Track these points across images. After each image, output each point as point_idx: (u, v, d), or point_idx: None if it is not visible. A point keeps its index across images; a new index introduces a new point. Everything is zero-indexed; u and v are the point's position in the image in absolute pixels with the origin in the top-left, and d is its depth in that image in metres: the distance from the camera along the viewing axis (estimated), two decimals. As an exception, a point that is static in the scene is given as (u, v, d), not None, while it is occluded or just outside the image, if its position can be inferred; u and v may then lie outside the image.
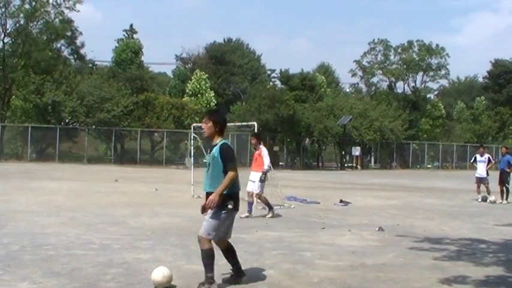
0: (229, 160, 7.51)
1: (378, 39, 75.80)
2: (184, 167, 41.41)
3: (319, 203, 19.47)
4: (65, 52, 60.24)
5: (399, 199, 22.22)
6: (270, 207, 15.51)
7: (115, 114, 47.33)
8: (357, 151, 59.09)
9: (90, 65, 65.37)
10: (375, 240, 11.88)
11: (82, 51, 63.03)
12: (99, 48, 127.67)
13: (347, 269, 8.94)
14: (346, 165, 57.86)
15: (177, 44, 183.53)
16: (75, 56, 63.14)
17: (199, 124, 29.31)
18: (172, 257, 9.42)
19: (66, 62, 57.72)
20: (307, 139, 58.60)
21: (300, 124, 53.58)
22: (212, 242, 7.56)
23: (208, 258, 7.46)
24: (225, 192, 7.36)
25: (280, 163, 53.67)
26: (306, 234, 12.42)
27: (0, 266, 8.45)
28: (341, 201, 19.64)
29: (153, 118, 48.89)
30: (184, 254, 9.68)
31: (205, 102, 56.89)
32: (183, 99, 56.52)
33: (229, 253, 7.94)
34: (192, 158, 23.06)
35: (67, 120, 50.29)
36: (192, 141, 23.32)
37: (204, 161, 24.26)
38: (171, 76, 74.05)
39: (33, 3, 48.84)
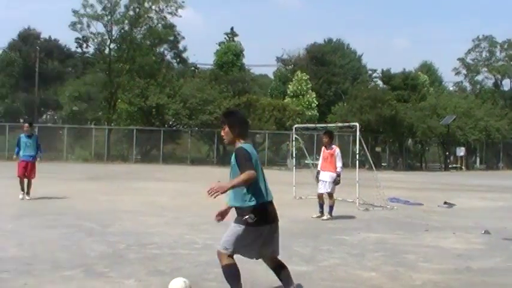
0: (243, 162, 6.42)
1: (483, 35, 73.93)
2: (286, 168, 41.51)
3: (422, 204, 19.14)
4: (168, 56, 61.62)
5: (506, 201, 21.58)
6: (331, 210, 15.13)
7: (217, 116, 47.86)
8: (461, 151, 57.63)
9: (193, 68, 66.45)
10: (481, 243, 11.58)
11: (184, 55, 64.28)
12: (201, 52, 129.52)
13: (451, 273, 8.75)
14: (450, 166, 56.59)
15: (278, 45, 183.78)
16: (178, 59, 64.38)
17: (301, 125, 29.22)
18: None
19: (169, 66, 58.94)
20: (410, 139, 57.69)
21: (402, 124, 52.77)
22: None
23: (230, 276, 6.59)
24: (250, 205, 6.45)
25: (383, 164, 53.07)
26: (408, 236, 12.24)
27: (107, 264, 8.73)
28: (445, 202, 19.25)
29: (254, 120, 49.12)
30: (287, 255, 9.66)
31: (307, 103, 56.83)
32: (285, 100, 56.61)
33: (278, 273, 6.99)
34: (294, 159, 23.11)
35: (170, 123, 51.22)
36: (293, 142, 23.39)
37: (306, 162, 24.19)
38: (272, 78, 74.34)
39: (137, 10, 50.10)
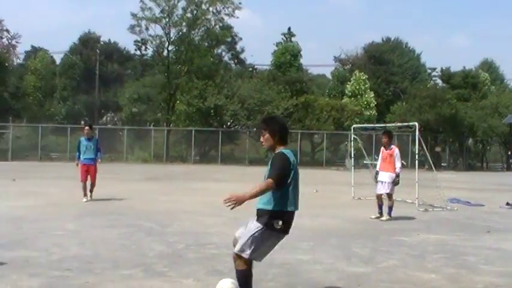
0: (274, 167, 6.37)
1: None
2: (345, 169, 41.29)
3: (483, 205, 18.82)
4: (226, 57, 62.13)
5: None
6: (391, 211, 14.95)
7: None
8: (524, 151, 56.39)
9: (250, 69, 66.74)
10: (545, 244, 11.33)
11: (242, 55, 64.62)
12: (258, 53, 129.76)
13: (514, 275, 8.59)
14: (512, 165, 55.49)
15: (335, 45, 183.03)
16: (236, 60, 64.79)
17: (360, 125, 29.05)
18: (332, 259, 9.43)
19: (227, 67, 59.31)
20: (471, 139, 56.73)
21: (462, 123, 51.98)
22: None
23: (246, 282, 6.47)
24: (275, 209, 6.38)
25: (443, 164, 52.30)
26: (469, 237, 12.04)
27: (166, 263, 8.82)
28: (507, 203, 18.88)
29: (312, 120, 49.01)
30: (345, 256, 9.67)
31: (365, 103, 56.41)
32: (343, 100, 56.31)
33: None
34: (353, 159, 22.98)
35: (229, 123, 51.49)
36: (352, 142, 23.28)
37: (365, 162, 23.84)
38: (330, 77, 74.13)
39: (195, 11, 50.46)
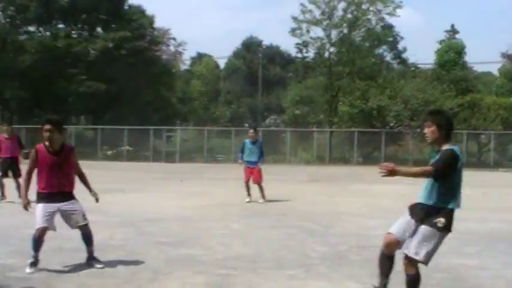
0: (441, 160, 6.29)
1: None
2: (515, 170, 39.66)
3: None
4: (388, 57, 61.19)
5: None
6: None
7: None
8: None
9: (413, 69, 65.55)
10: None
11: (404, 55, 63.49)
12: (421, 51, 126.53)
13: None
14: None
15: (502, 40, 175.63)
16: (398, 60, 63.74)
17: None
18: (500, 265, 9.06)
19: (389, 67, 58.48)
20: None
21: None
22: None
23: (412, 286, 6.47)
24: (440, 205, 6.32)
25: None
26: None
27: (328, 264, 8.84)
28: None
29: (479, 120, 47.41)
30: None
31: (536, 101, 53.86)
32: None
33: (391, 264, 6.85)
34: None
35: (392, 124, 50.82)
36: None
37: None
38: (497, 75, 71.37)
39: (355, 12, 50.27)
